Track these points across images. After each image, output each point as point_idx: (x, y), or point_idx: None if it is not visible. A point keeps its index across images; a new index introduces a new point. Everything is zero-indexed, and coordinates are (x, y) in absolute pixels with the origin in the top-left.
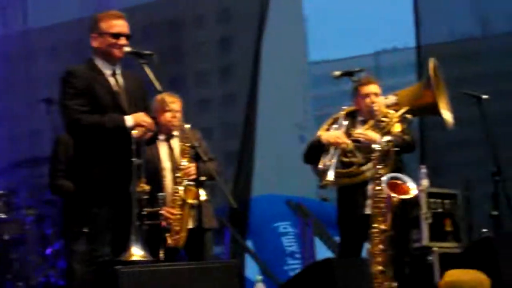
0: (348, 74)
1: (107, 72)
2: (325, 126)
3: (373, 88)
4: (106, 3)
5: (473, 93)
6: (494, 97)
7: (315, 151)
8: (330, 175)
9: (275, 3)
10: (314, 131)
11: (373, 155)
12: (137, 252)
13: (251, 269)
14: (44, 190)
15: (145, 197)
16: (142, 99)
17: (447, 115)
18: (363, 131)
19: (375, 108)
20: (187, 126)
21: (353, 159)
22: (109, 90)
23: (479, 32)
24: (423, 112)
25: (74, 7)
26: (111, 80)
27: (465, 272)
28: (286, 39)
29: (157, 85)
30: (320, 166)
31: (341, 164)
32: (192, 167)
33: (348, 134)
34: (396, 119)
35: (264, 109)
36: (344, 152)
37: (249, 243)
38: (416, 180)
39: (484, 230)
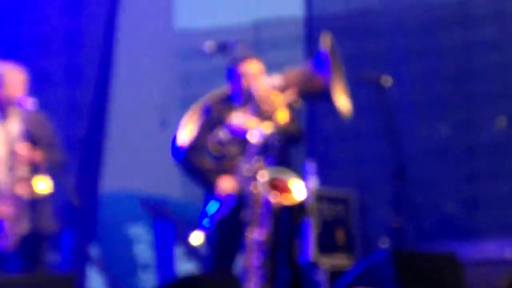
0: (223, 47)
1: None
2: (188, 125)
3: (253, 66)
4: None
5: (371, 76)
6: (396, 81)
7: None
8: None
9: None
10: (180, 116)
11: (249, 147)
12: None
13: (96, 282)
14: None
15: None
16: None
17: (343, 102)
18: (240, 119)
19: (256, 90)
20: (31, 100)
21: (225, 152)
22: None
23: (376, 5)
24: (314, 96)
25: None
26: None
27: None
28: (149, 5)
29: None
30: None
31: (211, 158)
32: (33, 154)
33: (220, 121)
34: (281, 104)
35: (118, 88)
36: (216, 143)
37: (95, 250)
38: (302, 178)
39: (383, 242)
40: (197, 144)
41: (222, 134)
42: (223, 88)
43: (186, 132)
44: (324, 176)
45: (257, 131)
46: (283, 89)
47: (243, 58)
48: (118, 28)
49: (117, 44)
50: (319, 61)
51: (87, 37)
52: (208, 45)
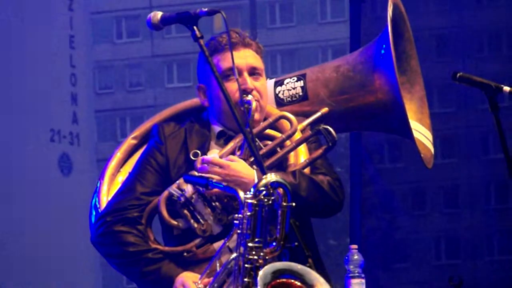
0: (184, 20)
1: None
2: None
3: (247, 56)
4: None
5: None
6: None
7: None
8: None
9: None
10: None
11: (237, 215)
12: None
13: None
14: None
15: None
16: None
17: (423, 139)
18: (220, 160)
19: (255, 105)
20: None
21: (194, 223)
22: None
23: None
24: (365, 124)
25: None
26: None
27: None
28: None
29: None
30: None
31: (166, 232)
32: None
33: (181, 165)
34: (301, 136)
35: None
36: (171, 202)
37: None
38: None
39: None
40: (134, 208)
41: (186, 189)
42: (186, 103)
43: (114, 186)
44: None
45: (254, 186)
46: (305, 106)
47: (229, 40)
48: None
49: None
50: (382, 48)
51: None
52: (154, 17)
